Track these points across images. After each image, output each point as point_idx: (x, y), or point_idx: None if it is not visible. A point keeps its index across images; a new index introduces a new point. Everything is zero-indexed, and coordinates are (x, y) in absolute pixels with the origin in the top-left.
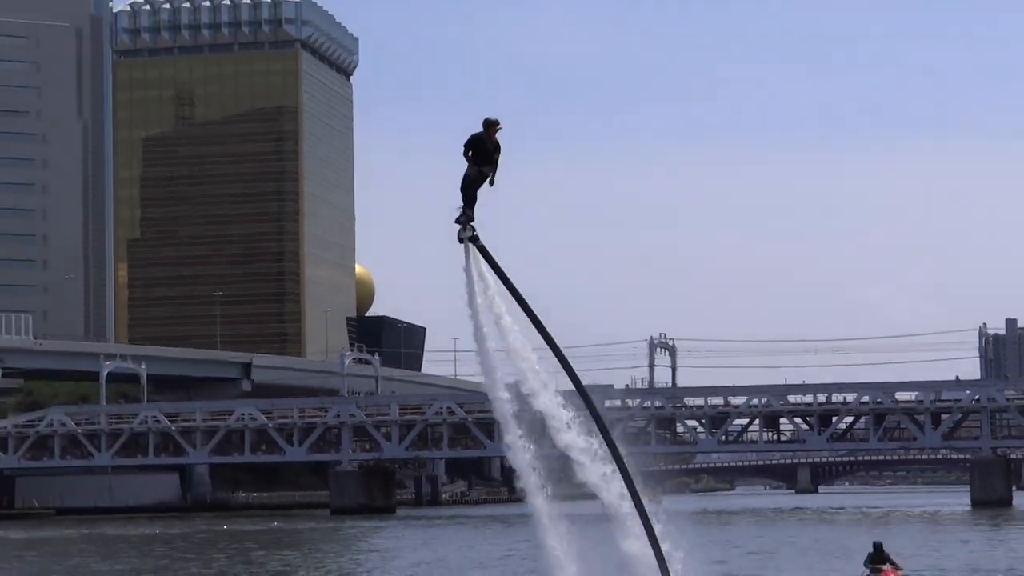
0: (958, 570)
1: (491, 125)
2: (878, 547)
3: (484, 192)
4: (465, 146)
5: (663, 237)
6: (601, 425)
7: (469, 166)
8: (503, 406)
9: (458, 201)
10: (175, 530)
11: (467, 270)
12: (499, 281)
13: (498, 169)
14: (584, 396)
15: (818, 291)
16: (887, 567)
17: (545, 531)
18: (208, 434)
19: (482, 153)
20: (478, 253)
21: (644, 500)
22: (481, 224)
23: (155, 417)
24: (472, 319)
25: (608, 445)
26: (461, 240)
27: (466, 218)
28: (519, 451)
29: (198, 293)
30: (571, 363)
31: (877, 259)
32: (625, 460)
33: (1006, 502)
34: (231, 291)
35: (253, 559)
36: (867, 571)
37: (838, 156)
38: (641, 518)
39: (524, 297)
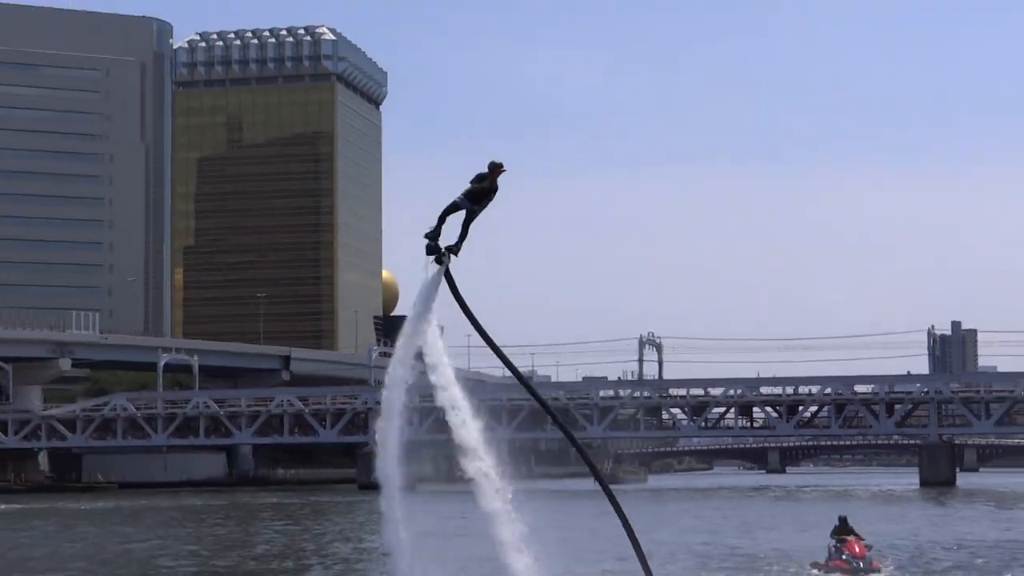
0: (911, 539)
1: (496, 167)
2: (843, 520)
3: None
4: (471, 182)
5: (652, 247)
6: (564, 430)
7: (464, 199)
8: (393, 397)
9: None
10: (220, 501)
11: (429, 286)
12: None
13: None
14: (544, 407)
15: (788, 295)
16: (852, 538)
17: (396, 528)
18: (252, 418)
19: (482, 192)
20: (443, 281)
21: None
22: (493, 235)
23: (205, 403)
24: (412, 324)
25: (574, 446)
26: (440, 263)
27: (456, 249)
28: (390, 450)
29: (244, 294)
30: (540, 394)
31: (841, 267)
32: (593, 465)
33: (951, 482)
34: (273, 293)
35: (289, 528)
36: (833, 542)
37: (810, 175)
38: (620, 519)
39: (482, 325)
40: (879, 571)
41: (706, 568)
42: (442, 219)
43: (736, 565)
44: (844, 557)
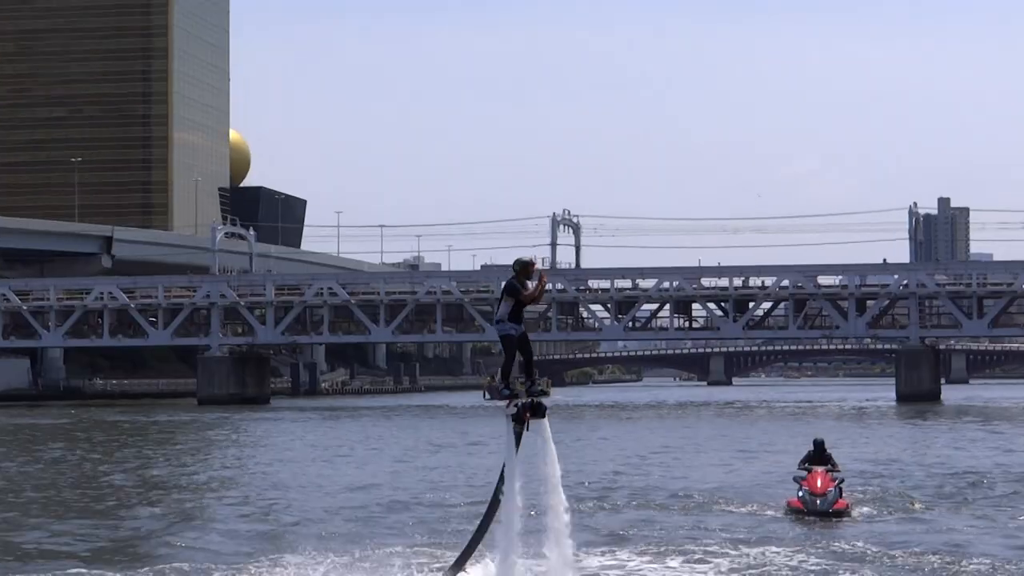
0: (885, 467)
1: (525, 266)
2: (819, 445)
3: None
4: (505, 293)
5: (569, 107)
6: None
7: (511, 327)
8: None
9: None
10: (23, 420)
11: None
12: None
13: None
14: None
15: (736, 166)
16: (819, 470)
17: None
18: (63, 315)
19: (526, 301)
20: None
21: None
22: (374, 94)
23: (4, 295)
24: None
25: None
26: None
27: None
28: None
29: (54, 159)
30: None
31: (801, 132)
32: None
33: (934, 396)
34: (91, 157)
35: (95, 450)
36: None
37: (758, 23)
38: None
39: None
40: (846, 511)
41: (646, 508)
42: (508, 372)
43: (680, 508)
44: (800, 494)
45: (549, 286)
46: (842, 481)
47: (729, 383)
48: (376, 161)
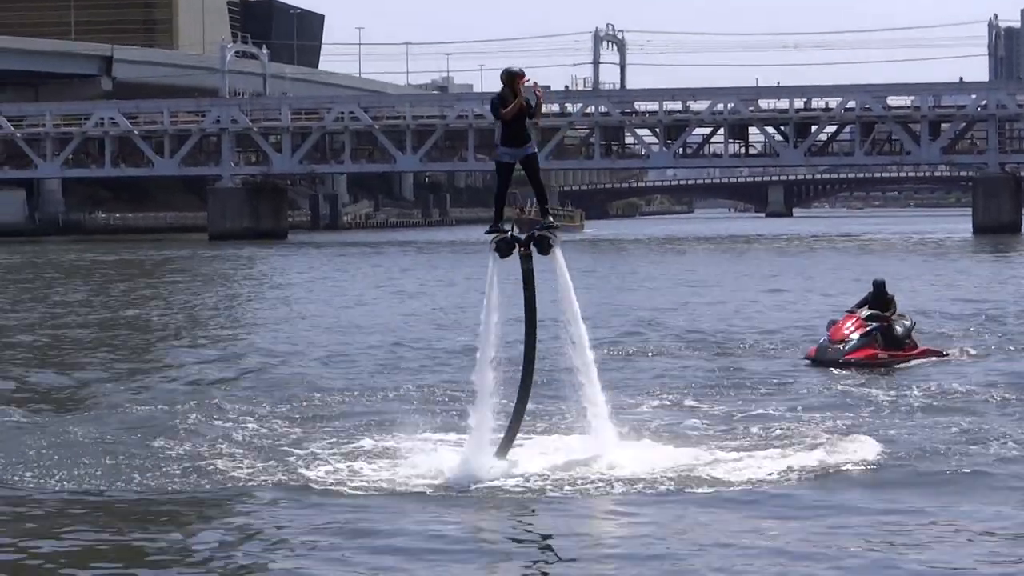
0: (959, 307)
1: (513, 78)
2: (879, 287)
3: None
4: (492, 111)
5: None
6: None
7: (504, 147)
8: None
9: None
10: (16, 257)
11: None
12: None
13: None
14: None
15: None
16: (859, 312)
17: None
18: (60, 142)
19: (516, 116)
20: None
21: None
22: None
23: None
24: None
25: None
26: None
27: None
28: None
29: None
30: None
31: None
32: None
33: (1015, 227)
34: None
35: (106, 289)
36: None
37: None
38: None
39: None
40: (869, 362)
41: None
42: (498, 203)
43: (711, 355)
44: (821, 340)
45: (589, 108)
46: (877, 329)
47: (789, 215)
48: None
